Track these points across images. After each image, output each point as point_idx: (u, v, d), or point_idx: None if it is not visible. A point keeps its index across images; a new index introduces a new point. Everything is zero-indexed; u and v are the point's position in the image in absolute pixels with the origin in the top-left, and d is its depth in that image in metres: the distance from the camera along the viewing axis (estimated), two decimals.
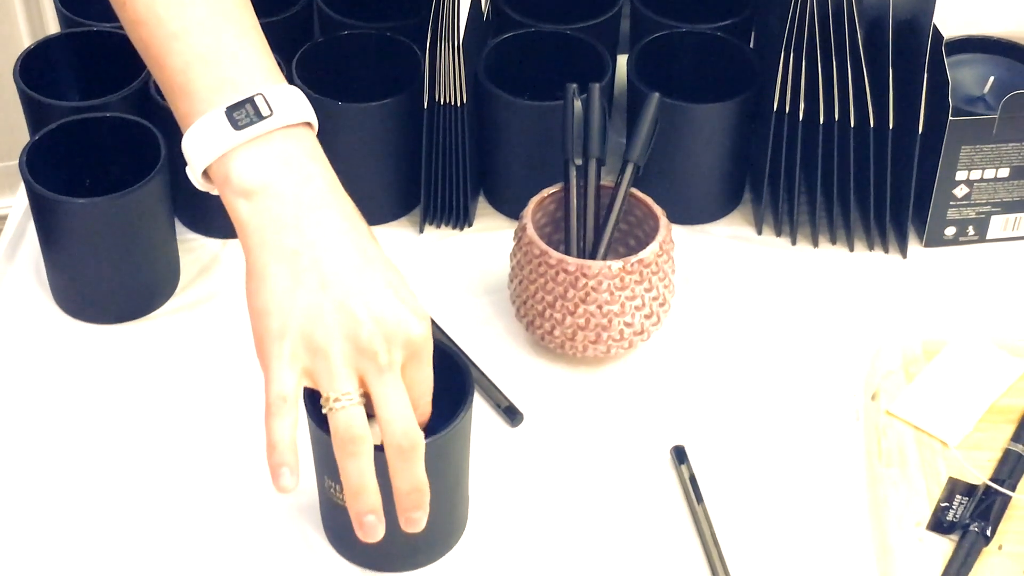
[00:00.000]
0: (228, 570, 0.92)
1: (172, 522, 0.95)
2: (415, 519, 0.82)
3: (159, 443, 1.00)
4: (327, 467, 0.86)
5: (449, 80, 1.09)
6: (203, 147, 0.83)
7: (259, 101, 0.83)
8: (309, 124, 0.86)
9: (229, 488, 0.97)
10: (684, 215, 1.16)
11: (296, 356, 0.80)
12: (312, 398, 0.84)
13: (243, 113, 0.82)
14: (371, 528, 0.80)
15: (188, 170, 0.86)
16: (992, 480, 0.94)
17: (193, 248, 1.15)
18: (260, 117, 0.83)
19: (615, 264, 1.00)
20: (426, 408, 0.84)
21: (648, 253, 1.01)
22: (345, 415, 0.79)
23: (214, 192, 0.85)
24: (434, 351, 0.84)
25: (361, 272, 0.81)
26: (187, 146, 0.85)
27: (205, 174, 0.85)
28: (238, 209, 0.83)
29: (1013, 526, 0.93)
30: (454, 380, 0.88)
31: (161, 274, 1.10)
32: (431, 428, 0.85)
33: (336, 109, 1.10)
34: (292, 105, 0.85)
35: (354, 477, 0.79)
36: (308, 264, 0.80)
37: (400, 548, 0.90)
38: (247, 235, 0.82)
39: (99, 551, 0.93)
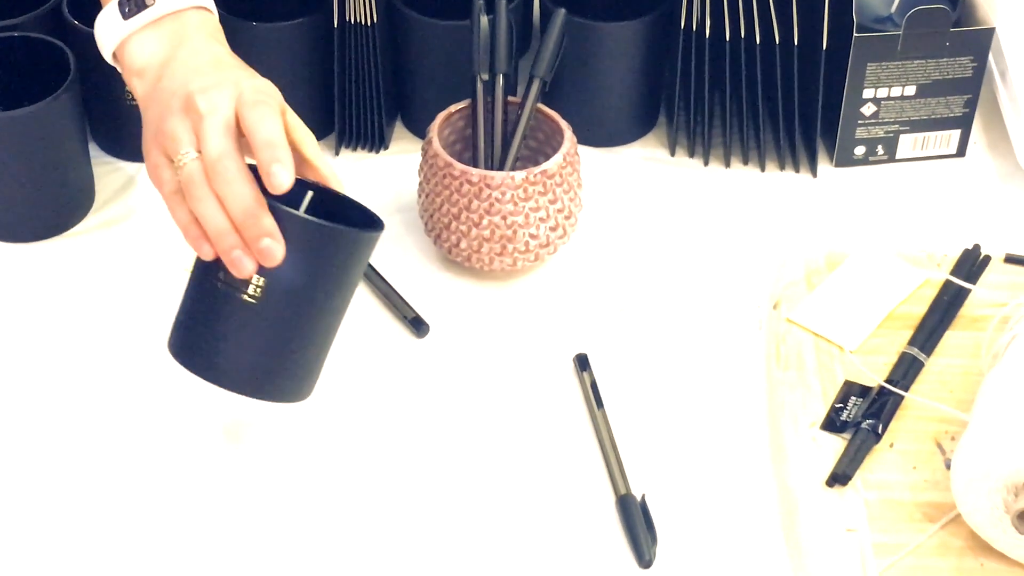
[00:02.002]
0: (136, 478, 0.94)
1: (89, 437, 0.96)
2: (263, 249, 0.84)
3: (75, 360, 1.01)
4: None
5: None
6: (106, 35, 0.93)
7: None
8: (203, 8, 0.94)
9: (146, 403, 0.98)
10: (599, 136, 1.18)
11: (159, 155, 0.87)
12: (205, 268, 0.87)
13: (130, 5, 0.92)
14: (239, 262, 0.84)
15: (101, 51, 0.94)
16: (886, 381, 0.96)
17: (109, 171, 1.15)
18: (144, 7, 0.91)
19: (518, 175, 1.01)
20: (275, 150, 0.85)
21: (552, 164, 1.02)
22: (187, 169, 0.85)
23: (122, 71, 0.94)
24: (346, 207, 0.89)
25: (209, 65, 0.89)
26: (97, 35, 0.94)
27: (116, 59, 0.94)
28: (134, 87, 0.92)
29: (905, 425, 0.94)
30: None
31: (75, 192, 1.11)
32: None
33: (249, 29, 1.11)
34: None
35: (210, 218, 0.84)
36: (162, 75, 0.89)
37: (279, 366, 0.89)
38: (141, 107, 0.91)
39: (16, 469, 0.94)
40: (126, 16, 0.91)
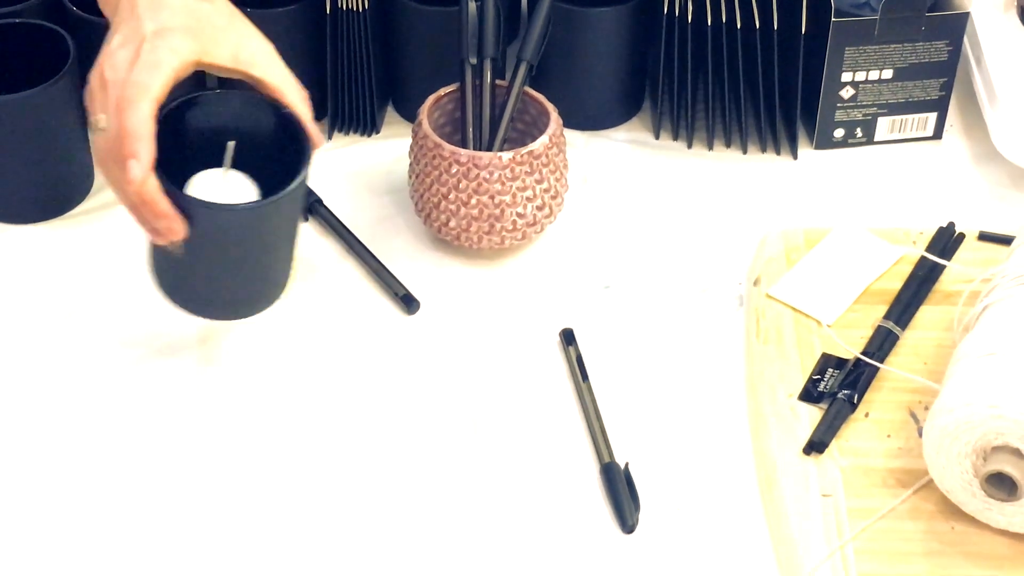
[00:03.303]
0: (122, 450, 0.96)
1: (88, 417, 0.99)
2: (161, 231, 0.90)
3: (75, 340, 1.03)
4: None
5: None
6: None
7: None
8: None
9: (145, 382, 1.01)
10: (585, 120, 1.20)
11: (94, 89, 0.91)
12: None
13: None
14: (152, 233, 0.90)
15: None
16: (862, 354, 0.99)
17: None
18: None
19: (505, 155, 1.04)
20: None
21: (538, 145, 1.05)
22: (99, 140, 0.89)
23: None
24: (280, 115, 0.94)
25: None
26: None
27: None
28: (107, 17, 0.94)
29: (881, 396, 0.97)
30: (294, 147, 0.94)
31: (74, 175, 1.13)
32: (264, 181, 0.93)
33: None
34: None
35: (120, 192, 0.89)
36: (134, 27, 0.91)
37: (221, 298, 0.97)
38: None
39: (15, 452, 0.97)
40: None
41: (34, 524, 0.91)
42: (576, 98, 1.19)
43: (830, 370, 0.98)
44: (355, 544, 0.91)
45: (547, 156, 1.06)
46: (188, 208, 0.90)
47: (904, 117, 1.19)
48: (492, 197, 1.05)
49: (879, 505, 0.90)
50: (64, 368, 1.01)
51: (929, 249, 1.07)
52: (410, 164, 1.09)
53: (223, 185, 0.93)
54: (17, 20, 1.12)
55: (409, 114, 1.22)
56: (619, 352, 1.03)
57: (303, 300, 1.05)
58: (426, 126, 1.06)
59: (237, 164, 0.94)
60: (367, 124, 1.20)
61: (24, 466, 0.95)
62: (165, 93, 0.89)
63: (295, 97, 0.94)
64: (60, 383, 1.00)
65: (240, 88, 0.95)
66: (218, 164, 0.94)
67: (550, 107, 1.08)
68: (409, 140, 1.10)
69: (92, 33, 1.02)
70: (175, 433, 0.97)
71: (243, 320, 1.00)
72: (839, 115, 1.18)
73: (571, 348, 1.02)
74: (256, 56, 0.94)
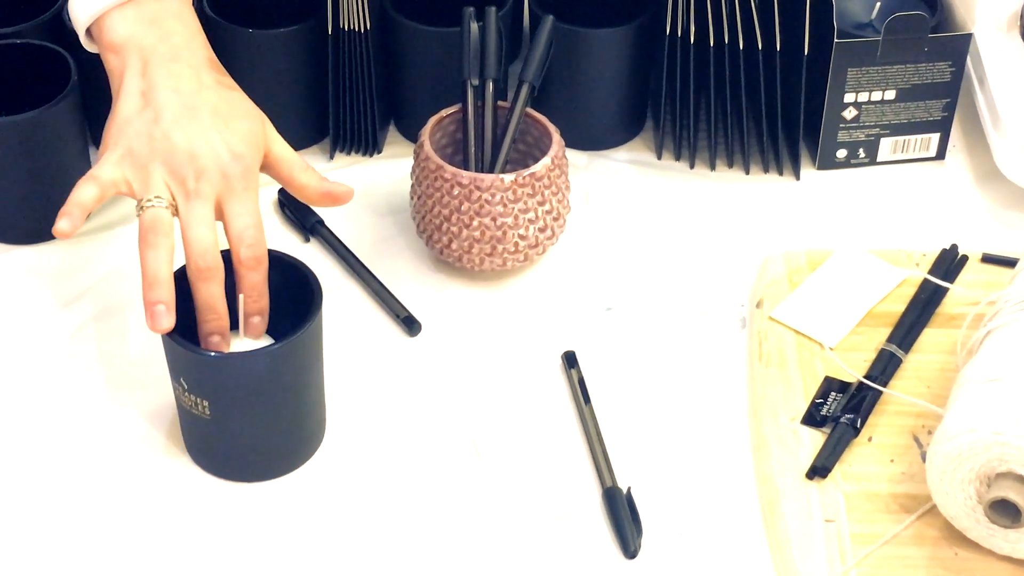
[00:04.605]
0: (85, 484, 0.96)
1: (84, 441, 0.99)
2: (211, 343, 0.92)
3: (72, 362, 1.03)
4: (176, 368, 0.91)
5: (353, 7, 1.13)
6: (83, 9, 0.98)
7: None
8: None
9: (143, 406, 1.00)
10: (587, 140, 1.20)
11: (121, 164, 0.93)
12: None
13: None
14: (159, 316, 0.89)
15: (75, 27, 1.00)
16: (865, 377, 0.99)
17: None
18: None
19: (507, 177, 1.04)
20: (253, 240, 0.92)
21: (540, 167, 1.05)
22: (152, 212, 0.91)
23: (95, 50, 1.00)
24: (285, 267, 0.94)
25: (191, 112, 0.95)
26: (72, 9, 0.99)
27: (89, 36, 1.00)
28: (108, 62, 0.98)
29: (884, 420, 0.97)
30: (305, 296, 0.93)
31: None
32: (281, 336, 0.91)
33: (245, 36, 1.14)
34: None
35: (151, 266, 0.90)
36: (149, 103, 0.94)
37: (254, 457, 0.95)
38: (112, 82, 0.97)
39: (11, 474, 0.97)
40: None
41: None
42: (578, 118, 1.19)
43: (833, 394, 0.98)
44: (355, 566, 0.90)
45: (549, 178, 1.05)
46: (212, 365, 0.90)
47: (907, 138, 1.19)
48: (494, 219, 1.05)
49: (882, 531, 0.90)
50: (62, 389, 1.01)
51: (932, 271, 1.06)
52: (412, 185, 1.09)
53: (241, 344, 0.94)
54: (18, 40, 1.12)
55: (410, 133, 1.22)
56: (621, 375, 1.02)
57: None
58: (428, 148, 1.06)
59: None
60: (369, 144, 1.20)
61: (18, 484, 0.95)
62: None
63: (306, 176, 0.98)
64: (58, 405, 1.00)
65: None
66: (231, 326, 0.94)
67: (552, 128, 1.08)
68: (411, 160, 1.09)
69: (93, 54, 1.02)
70: (173, 457, 0.97)
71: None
72: (842, 136, 1.18)
73: (573, 371, 1.02)
74: (272, 133, 0.98)
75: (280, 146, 0.98)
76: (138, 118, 0.94)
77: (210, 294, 0.91)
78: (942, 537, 0.90)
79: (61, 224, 0.90)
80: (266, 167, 0.97)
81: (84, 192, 0.92)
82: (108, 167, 0.93)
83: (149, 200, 0.91)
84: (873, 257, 1.08)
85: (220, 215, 0.93)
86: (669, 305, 1.08)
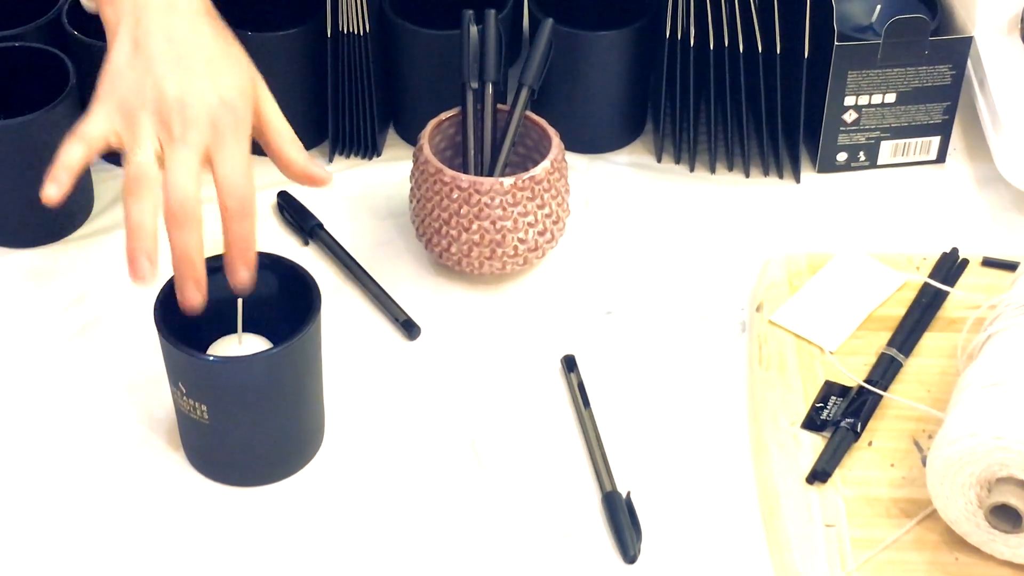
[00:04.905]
0: (84, 488, 0.96)
1: (84, 442, 0.98)
2: (186, 298, 0.89)
3: (73, 364, 1.03)
4: (175, 372, 0.91)
5: (352, 9, 1.12)
6: None
7: None
8: None
9: (142, 409, 1.00)
10: (586, 143, 1.20)
11: (110, 116, 0.90)
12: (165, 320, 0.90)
13: None
14: (141, 268, 0.87)
15: None
16: (865, 381, 0.98)
17: (108, 178, 1.18)
18: None
19: (507, 180, 1.03)
20: (239, 187, 0.90)
21: (539, 170, 1.04)
22: (138, 163, 0.88)
23: (94, 10, 0.97)
24: (284, 270, 0.93)
25: (184, 61, 0.92)
26: None
27: None
28: (105, 14, 0.95)
29: (884, 424, 0.97)
30: (304, 300, 0.92)
31: (74, 198, 1.12)
32: (279, 340, 0.91)
33: (244, 39, 1.13)
34: None
35: (135, 216, 0.87)
36: (140, 51, 0.92)
37: (252, 461, 0.95)
38: (108, 35, 0.94)
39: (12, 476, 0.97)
40: None
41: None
42: (578, 122, 1.19)
43: (833, 398, 0.98)
44: (354, 571, 0.90)
45: (548, 181, 1.05)
46: (211, 369, 0.90)
47: (907, 141, 1.19)
48: (493, 223, 1.04)
49: (883, 535, 0.90)
50: (61, 393, 1.01)
51: (933, 275, 1.06)
52: (411, 189, 1.09)
53: (240, 349, 0.93)
54: (16, 43, 1.12)
55: (409, 136, 1.22)
56: (621, 379, 1.02)
57: None
58: (427, 151, 1.06)
59: (248, 327, 0.94)
60: (368, 147, 1.20)
61: (17, 487, 0.95)
62: None
63: (294, 151, 0.95)
64: (56, 409, 1.00)
65: None
66: (229, 330, 0.94)
67: (551, 131, 1.08)
68: (410, 163, 1.09)
69: (92, 56, 1.02)
70: (172, 462, 0.96)
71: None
72: (842, 139, 1.18)
73: (572, 374, 1.02)
74: (263, 92, 0.96)
75: (271, 108, 0.95)
76: (129, 69, 0.91)
77: (184, 243, 0.88)
78: (942, 542, 0.89)
79: (49, 190, 0.89)
80: (256, 131, 0.95)
81: (71, 153, 0.90)
82: (96, 120, 0.90)
83: (135, 152, 0.89)
84: (873, 260, 1.08)
85: (209, 166, 0.90)
86: (669, 309, 1.08)
